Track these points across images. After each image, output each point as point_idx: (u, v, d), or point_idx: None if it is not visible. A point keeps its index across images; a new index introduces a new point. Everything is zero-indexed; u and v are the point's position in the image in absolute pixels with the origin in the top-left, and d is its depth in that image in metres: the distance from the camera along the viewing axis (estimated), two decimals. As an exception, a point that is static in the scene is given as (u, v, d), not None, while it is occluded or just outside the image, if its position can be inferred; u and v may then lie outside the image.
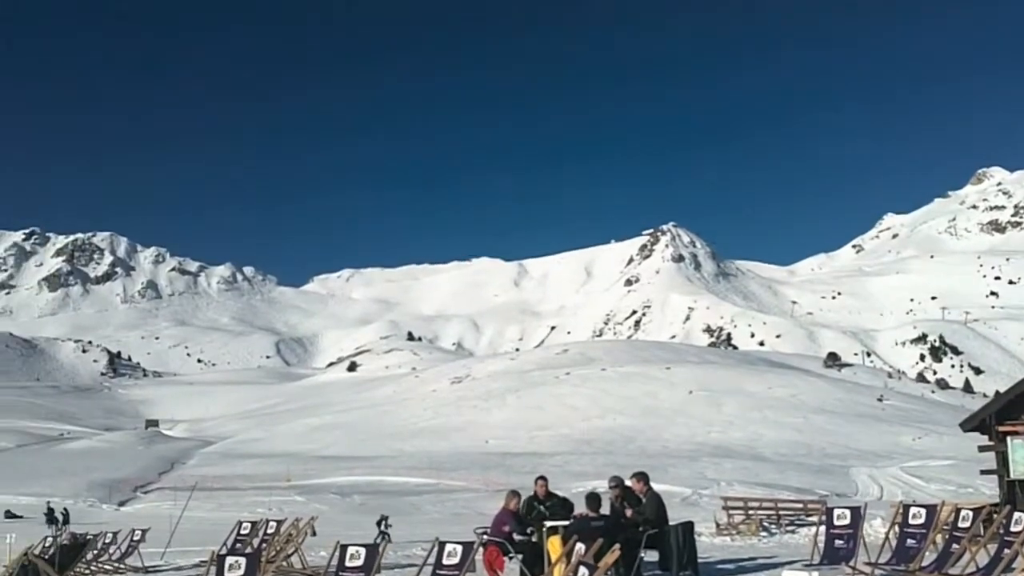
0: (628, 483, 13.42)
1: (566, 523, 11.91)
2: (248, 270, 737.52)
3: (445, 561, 9.72)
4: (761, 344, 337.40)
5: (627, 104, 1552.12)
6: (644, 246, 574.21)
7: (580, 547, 10.01)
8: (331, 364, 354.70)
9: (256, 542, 17.31)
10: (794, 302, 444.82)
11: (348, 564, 9.59)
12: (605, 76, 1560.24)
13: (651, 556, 13.00)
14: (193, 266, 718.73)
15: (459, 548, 9.83)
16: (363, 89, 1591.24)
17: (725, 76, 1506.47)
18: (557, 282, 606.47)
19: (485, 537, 11.96)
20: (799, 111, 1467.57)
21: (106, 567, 19.10)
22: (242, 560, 9.36)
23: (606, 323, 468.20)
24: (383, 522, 36.09)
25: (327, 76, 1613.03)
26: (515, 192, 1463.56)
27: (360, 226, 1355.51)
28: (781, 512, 32.39)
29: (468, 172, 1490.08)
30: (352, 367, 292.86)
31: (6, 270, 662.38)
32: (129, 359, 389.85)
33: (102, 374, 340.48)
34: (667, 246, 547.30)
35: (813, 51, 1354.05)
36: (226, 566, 9.24)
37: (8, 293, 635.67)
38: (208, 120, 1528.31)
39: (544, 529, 12.04)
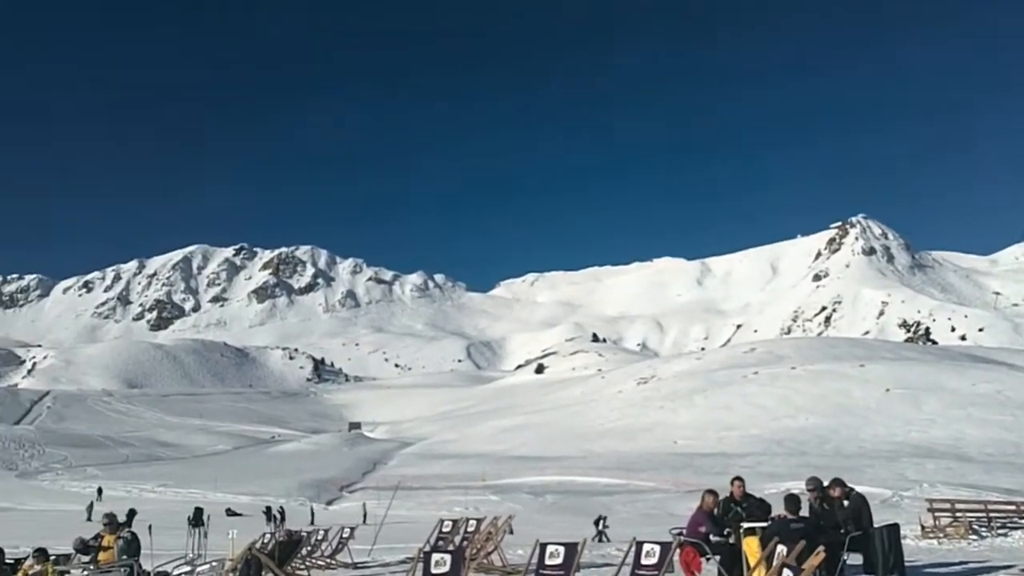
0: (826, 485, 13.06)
1: (764, 525, 11.73)
2: (439, 277, 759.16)
3: (643, 561, 9.80)
4: (963, 338, 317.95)
5: (811, 89, 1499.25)
6: (832, 239, 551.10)
7: (781, 549, 9.86)
8: (519, 367, 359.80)
9: (458, 540, 17.87)
10: (997, 293, 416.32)
11: (548, 562, 9.81)
12: (784, 61, 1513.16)
13: (854, 559, 12.60)
14: (388, 275, 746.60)
15: (657, 548, 9.88)
16: (537, 92, 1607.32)
17: (914, 53, 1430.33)
18: (741, 280, 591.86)
19: (681, 538, 11.94)
20: (995, 88, 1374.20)
21: (319, 563, 20.23)
22: (447, 557, 9.72)
23: (794, 320, 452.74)
24: (601, 522, 36.69)
25: (499, 82, 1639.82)
26: (696, 190, 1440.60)
27: (543, 231, 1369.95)
28: (991, 514, 30.47)
29: (647, 172, 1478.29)
30: (540, 369, 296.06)
31: (219, 284, 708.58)
32: (332, 365, 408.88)
33: (308, 380, 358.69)
34: (857, 239, 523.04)
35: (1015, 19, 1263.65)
36: (432, 563, 9.62)
37: (222, 306, 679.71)
38: (397, 137, 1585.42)
39: (741, 530, 11.91)
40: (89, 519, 45.12)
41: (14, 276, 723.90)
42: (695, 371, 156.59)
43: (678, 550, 11.12)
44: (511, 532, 19.68)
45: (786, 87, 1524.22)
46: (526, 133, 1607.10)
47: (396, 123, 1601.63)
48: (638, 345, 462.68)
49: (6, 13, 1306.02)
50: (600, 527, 36.52)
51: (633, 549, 10.11)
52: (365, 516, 46.41)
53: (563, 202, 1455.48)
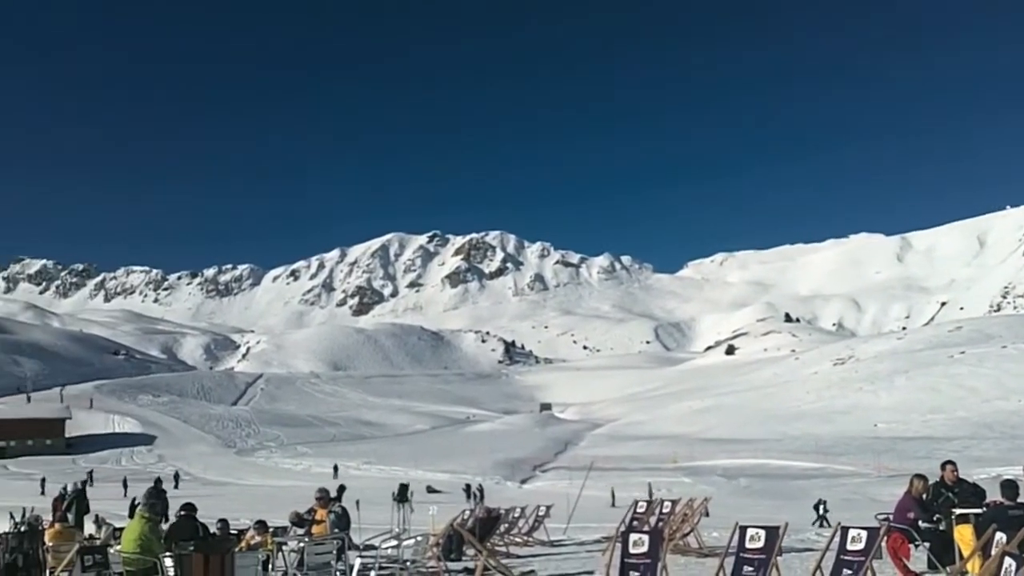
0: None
1: (978, 511, 11.15)
2: (625, 259, 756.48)
3: (849, 547, 9.55)
4: None
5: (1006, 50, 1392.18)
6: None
7: (1000, 537, 9.36)
8: (709, 348, 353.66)
9: (653, 521, 17.89)
10: None
11: (748, 545, 9.70)
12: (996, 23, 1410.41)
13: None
14: (575, 258, 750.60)
15: (863, 534, 9.61)
16: (728, 67, 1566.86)
17: None
18: (945, 255, 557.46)
19: (889, 524, 11.52)
20: None
21: (516, 540, 20.73)
22: (645, 537, 9.77)
23: (1004, 297, 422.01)
24: (821, 506, 35.99)
25: (689, 63, 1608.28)
26: (894, 163, 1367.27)
27: (731, 209, 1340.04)
28: None
29: (840, 145, 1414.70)
30: (730, 350, 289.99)
31: (415, 270, 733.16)
32: (522, 347, 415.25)
33: (499, 362, 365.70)
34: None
35: None
36: (630, 542, 9.70)
37: (417, 291, 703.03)
38: (576, 115, 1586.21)
39: (952, 517, 11.38)
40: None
41: (228, 267, 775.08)
42: (896, 351, 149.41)
43: (885, 536, 10.75)
44: (707, 514, 19.50)
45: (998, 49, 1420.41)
46: (712, 110, 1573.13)
47: (583, 108, 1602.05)
48: (834, 325, 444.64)
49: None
50: (821, 511, 35.78)
51: (838, 534, 9.87)
52: (614, 498, 45.89)
53: (752, 180, 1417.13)
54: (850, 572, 9.51)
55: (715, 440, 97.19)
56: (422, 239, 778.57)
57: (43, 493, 49.73)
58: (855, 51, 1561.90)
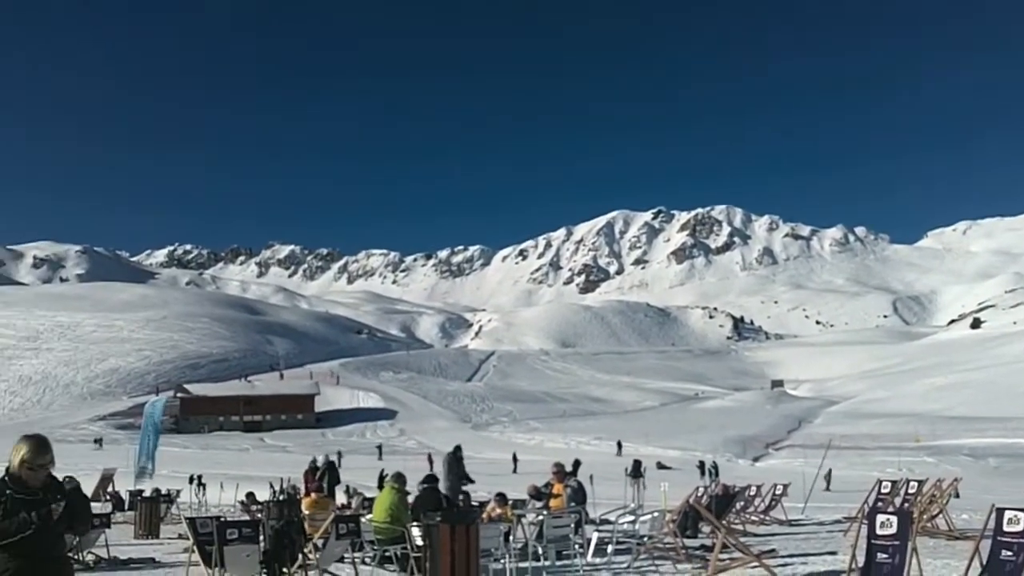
0: None
1: None
2: (860, 230, 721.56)
3: (1006, 528, 8.86)
4: None
5: None
6: None
7: None
8: (952, 321, 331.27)
9: (898, 501, 17.17)
10: None
11: (1007, 528, 9.19)
12: None
13: None
14: (805, 230, 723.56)
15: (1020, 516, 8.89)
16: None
17: None
18: None
19: None
20: None
21: (752, 518, 20.45)
22: (893, 519, 9.46)
23: None
24: None
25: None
26: None
27: (974, 175, 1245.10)
28: None
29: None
30: (976, 324, 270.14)
31: (640, 247, 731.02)
32: (751, 323, 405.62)
33: (728, 338, 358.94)
34: None
35: None
36: (877, 523, 9.43)
37: (643, 268, 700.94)
38: (801, 82, 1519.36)
39: None
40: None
41: (460, 248, 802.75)
42: None
43: None
44: (956, 495, 18.48)
45: None
46: (952, 72, 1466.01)
47: (809, 73, 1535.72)
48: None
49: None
50: None
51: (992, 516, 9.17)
52: (829, 482, 43.47)
53: (995, 143, 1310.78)
54: (1010, 554, 8.90)
55: (960, 418, 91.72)
56: (647, 216, 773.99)
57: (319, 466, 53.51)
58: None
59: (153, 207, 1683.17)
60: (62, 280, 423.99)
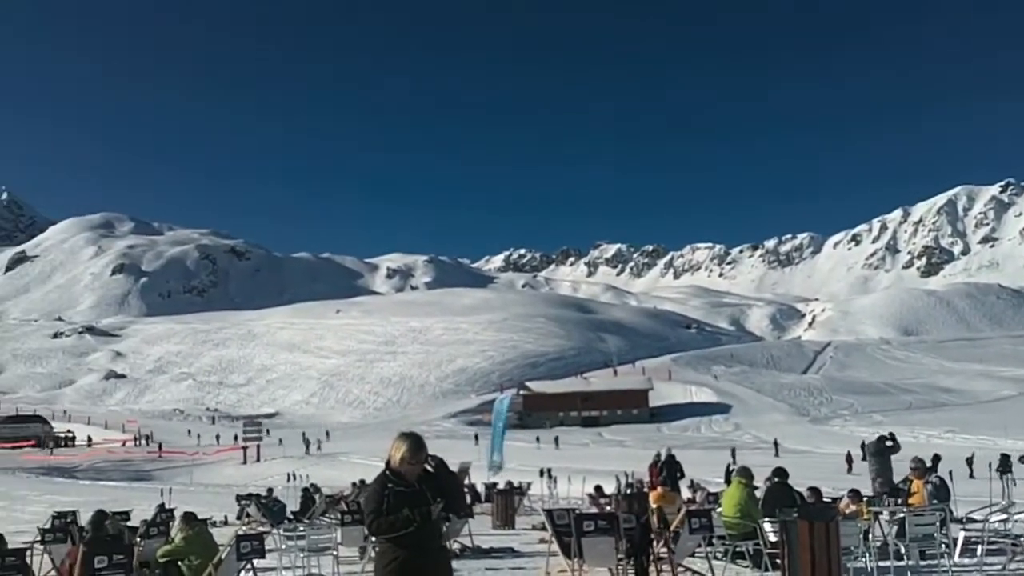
0: None
1: None
2: None
3: None
4: None
5: None
6: None
7: None
8: None
9: None
10: None
11: None
12: None
13: None
14: None
15: None
16: None
17: None
18: None
19: None
20: None
21: None
22: None
23: None
24: None
25: None
26: None
27: None
28: None
29: None
30: None
31: (987, 224, 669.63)
32: None
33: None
34: None
35: None
36: None
37: (992, 246, 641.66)
38: None
39: None
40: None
41: (788, 236, 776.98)
42: None
43: None
44: None
45: None
46: None
47: None
48: None
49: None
50: None
51: None
52: None
53: None
54: None
55: None
56: (993, 189, 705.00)
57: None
58: None
59: (489, 214, 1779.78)
60: (412, 288, 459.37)
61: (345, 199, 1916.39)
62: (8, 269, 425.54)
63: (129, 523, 16.84)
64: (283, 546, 14.10)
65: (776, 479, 13.24)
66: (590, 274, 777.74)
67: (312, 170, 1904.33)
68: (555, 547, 11.71)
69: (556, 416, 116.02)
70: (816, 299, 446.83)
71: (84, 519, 17.42)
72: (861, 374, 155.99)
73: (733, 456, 51.56)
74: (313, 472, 47.19)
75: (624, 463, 41.90)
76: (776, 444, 65.61)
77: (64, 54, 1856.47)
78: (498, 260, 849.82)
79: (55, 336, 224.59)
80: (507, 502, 22.82)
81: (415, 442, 5.35)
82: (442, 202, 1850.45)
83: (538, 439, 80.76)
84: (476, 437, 73.88)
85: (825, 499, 15.55)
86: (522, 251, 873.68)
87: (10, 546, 10.66)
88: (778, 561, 10.37)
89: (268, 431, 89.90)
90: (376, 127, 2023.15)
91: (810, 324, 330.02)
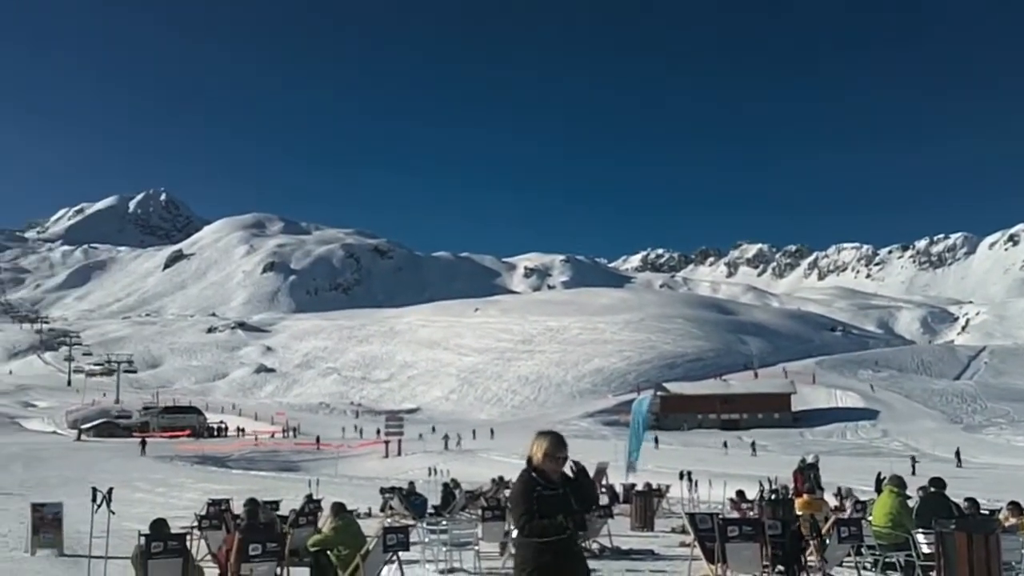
0: None
1: None
2: None
3: None
4: None
5: None
6: None
7: None
8: None
9: None
10: None
11: None
12: None
13: None
14: None
15: None
16: None
17: None
18: None
19: None
20: None
21: None
22: None
23: None
24: None
25: None
26: None
27: None
28: None
29: None
30: None
31: None
32: None
33: None
34: None
35: None
36: None
37: None
38: None
39: None
40: None
41: (940, 236, 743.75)
42: None
43: None
44: None
45: None
46: None
47: None
48: None
49: None
50: None
51: None
52: None
53: None
54: None
55: None
56: None
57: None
58: None
59: (626, 214, 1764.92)
60: (549, 287, 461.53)
61: (486, 198, 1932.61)
62: (166, 267, 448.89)
63: (279, 512, 17.52)
64: (426, 539, 14.44)
65: (932, 488, 12.75)
66: (730, 274, 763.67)
67: (453, 167, 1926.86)
68: (697, 551, 11.57)
69: (694, 418, 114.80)
70: (970, 302, 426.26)
71: (236, 506, 18.28)
72: (1019, 381, 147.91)
73: (913, 466, 49.78)
74: (452, 467, 47.96)
75: (767, 468, 40.97)
76: (958, 455, 62.69)
77: (220, 55, 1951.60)
78: (635, 260, 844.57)
79: (209, 331, 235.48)
80: (646, 504, 22.71)
81: (556, 437, 5.41)
82: (578, 199, 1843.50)
83: (676, 441, 79.75)
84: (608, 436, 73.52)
85: (983, 511, 14.89)
86: (660, 251, 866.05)
87: (171, 530, 11.25)
88: (932, 574, 9.99)
89: (433, 428, 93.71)
90: (512, 127, 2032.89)
91: (963, 328, 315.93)
